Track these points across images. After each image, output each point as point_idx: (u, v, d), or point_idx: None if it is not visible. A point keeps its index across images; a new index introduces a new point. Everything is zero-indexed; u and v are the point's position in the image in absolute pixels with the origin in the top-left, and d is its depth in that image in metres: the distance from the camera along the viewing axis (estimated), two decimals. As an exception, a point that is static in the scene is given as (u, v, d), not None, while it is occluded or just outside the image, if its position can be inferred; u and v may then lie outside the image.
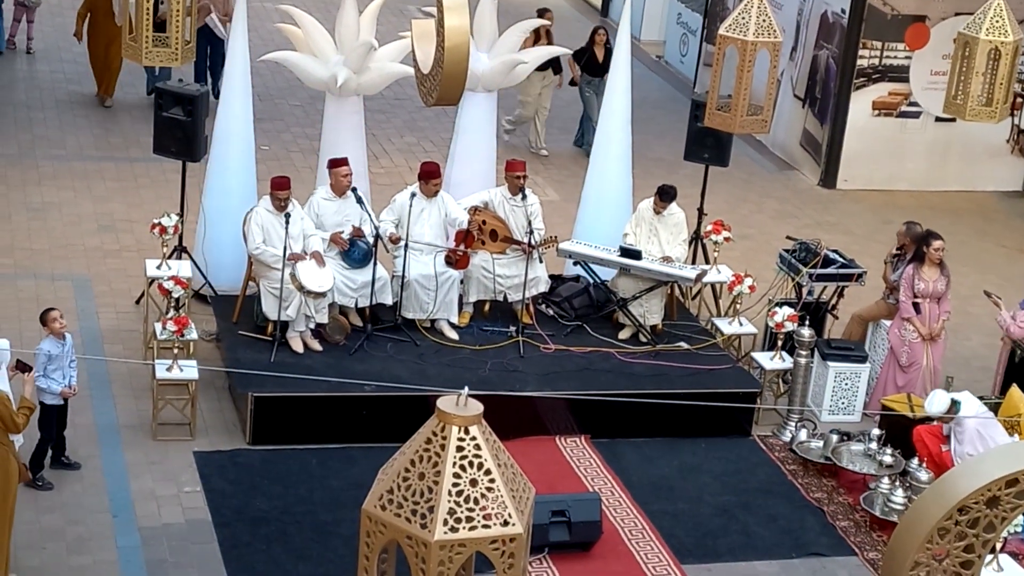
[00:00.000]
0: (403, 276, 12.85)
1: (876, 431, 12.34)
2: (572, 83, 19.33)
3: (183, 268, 13.34)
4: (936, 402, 11.88)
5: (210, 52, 19.08)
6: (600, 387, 12.56)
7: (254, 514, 11.15)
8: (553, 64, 18.36)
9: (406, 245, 12.82)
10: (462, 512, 5.88)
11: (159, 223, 13.24)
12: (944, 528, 6.06)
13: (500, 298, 13.38)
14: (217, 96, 17.29)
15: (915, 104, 19.06)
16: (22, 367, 9.99)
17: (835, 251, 14.36)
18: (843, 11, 18.75)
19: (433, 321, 13.13)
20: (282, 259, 12.26)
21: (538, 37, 17.81)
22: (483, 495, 5.91)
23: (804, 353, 13.02)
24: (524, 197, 13.27)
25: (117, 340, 13.45)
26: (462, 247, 13.08)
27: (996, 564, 9.58)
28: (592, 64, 19.03)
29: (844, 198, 18.79)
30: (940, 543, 6.10)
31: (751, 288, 13.66)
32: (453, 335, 13.11)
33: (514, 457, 6.24)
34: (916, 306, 13.26)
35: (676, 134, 17.95)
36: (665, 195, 13.64)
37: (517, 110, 19.13)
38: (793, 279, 14.04)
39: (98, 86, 19.02)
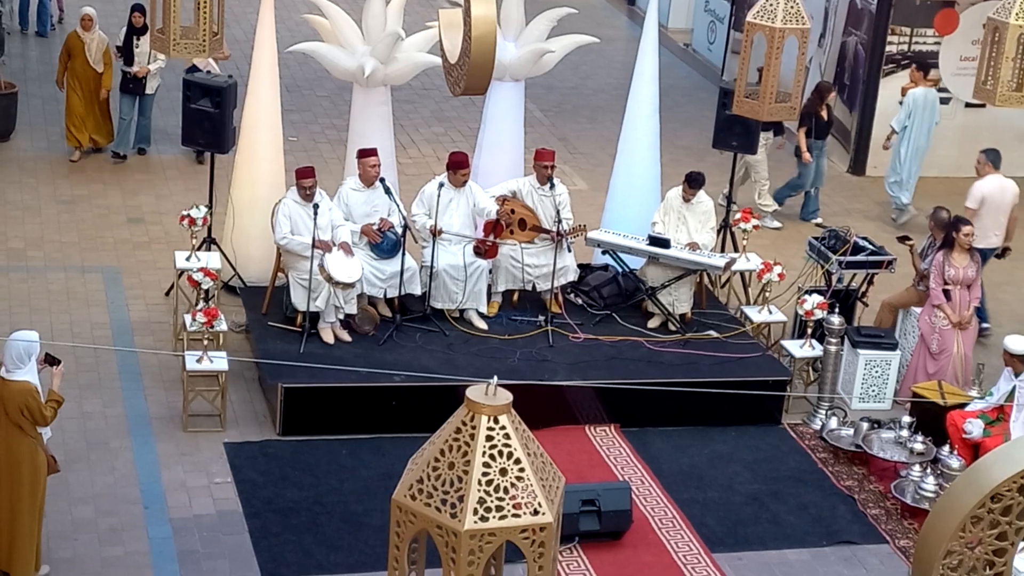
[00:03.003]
0: (432, 266, 12.86)
1: (907, 418, 12.30)
2: (796, 154, 17.07)
3: (212, 260, 13.37)
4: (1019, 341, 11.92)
5: None
6: (629, 376, 12.54)
7: (284, 505, 11.18)
8: (776, 125, 16.77)
9: (435, 235, 12.82)
10: (492, 501, 5.88)
11: (188, 215, 13.28)
12: (977, 516, 6.03)
13: (529, 287, 13.38)
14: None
15: (945, 90, 18.95)
16: (51, 360, 10.03)
17: (864, 238, 14.30)
18: (871, -3, 18.68)
19: (462, 311, 13.14)
20: (310, 248, 12.28)
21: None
22: (513, 484, 5.90)
23: (834, 341, 12.98)
24: (552, 186, 13.25)
25: (147, 332, 13.50)
26: (491, 237, 13.07)
27: (1029, 551, 9.54)
28: (818, 125, 16.99)
29: (873, 185, 18.69)
30: (973, 531, 6.07)
31: (780, 276, 13.62)
32: (482, 325, 13.11)
33: (544, 446, 6.23)
34: (946, 293, 13.21)
35: (704, 122, 17.91)
36: (693, 182, 13.61)
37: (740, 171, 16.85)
38: (822, 267, 13.99)
39: (69, 139, 17.04)
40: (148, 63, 16.84)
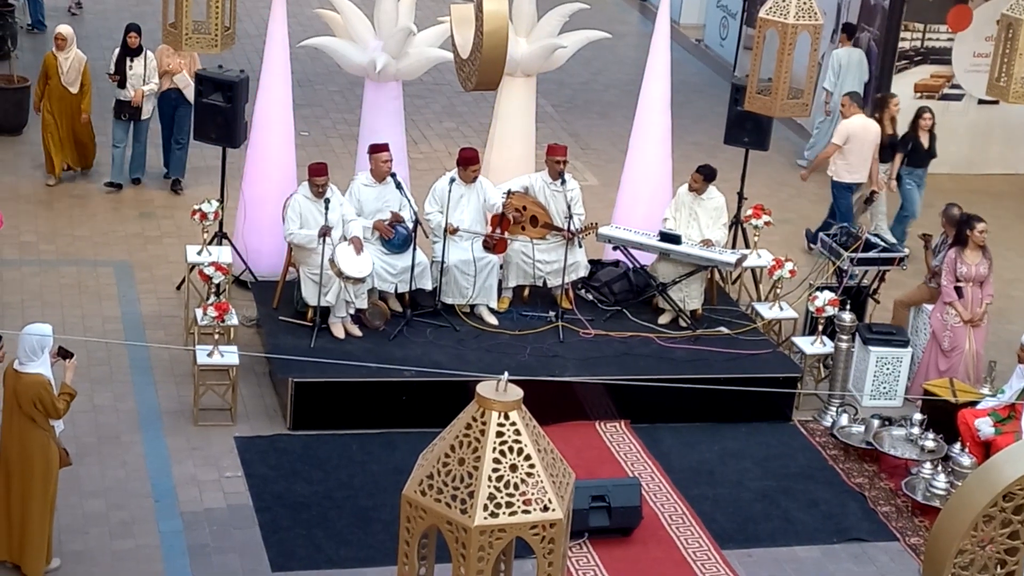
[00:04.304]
0: (442, 261, 12.86)
1: (918, 416, 12.28)
2: (897, 179, 16.35)
3: (223, 254, 13.39)
4: None
5: (176, 121, 16.15)
6: (640, 372, 12.53)
7: (295, 499, 11.19)
8: (896, 145, 16.21)
9: (445, 231, 12.82)
10: (502, 497, 5.88)
11: (199, 209, 13.29)
12: (989, 515, 6.03)
13: (539, 283, 13.37)
14: (178, 183, 16.35)
15: (957, 87, 18.92)
16: (64, 353, 10.05)
17: (876, 235, 14.27)
18: (884, -7, 18.64)
19: (472, 306, 13.14)
20: (315, 240, 12.27)
21: (881, 120, 16.00)
22: (523, 480, 5.91)
23: (845, 338, 12.96)
24: (564, 182, 13.24)
25: (158, 326, 13.52)
26: (498, 231, 13.06)
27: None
28: (917, 151, 16.26)
29: (886, 181, 18.67)
30: (985, 530, 6.06)
31: (791, 272, 13.59)
32: (492, 320, 13.11)
33: (554, 442, 6.23)
34: (958, 290, 13.18)
35: (715, 118, 17.89)
36: (703, 170, 13.57)
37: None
38: (834, 263, 13.97)
39: (48, 164, 16.15)
40: (142, 85, 15.89)
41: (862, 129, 15.61)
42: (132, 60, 15.96)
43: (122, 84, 15.96)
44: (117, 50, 16.13)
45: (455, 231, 12.84)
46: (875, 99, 16.64)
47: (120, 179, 16.26)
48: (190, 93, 15.48)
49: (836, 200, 15.88)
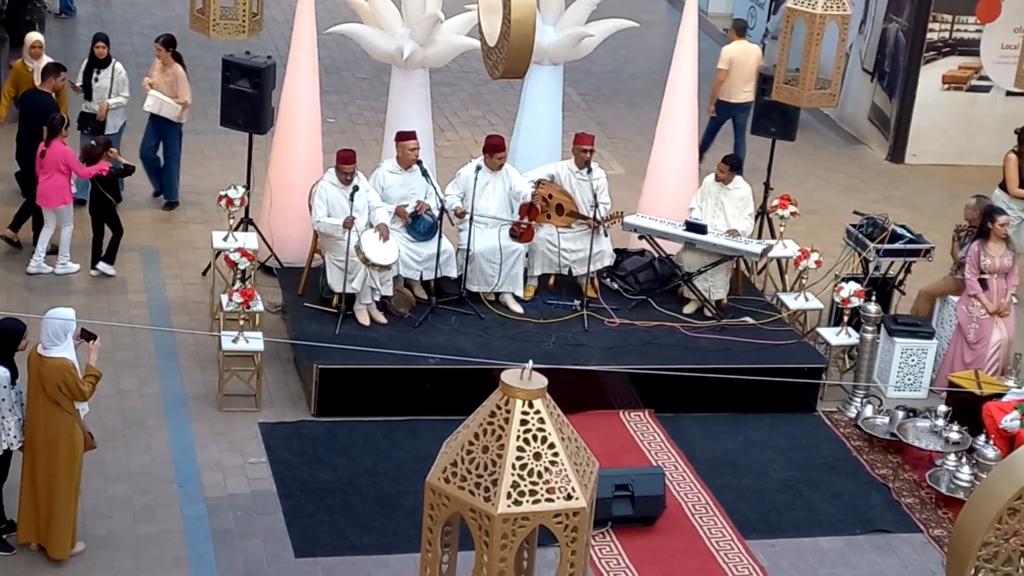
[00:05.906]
0: (468, 249, 12.86)
1: (943, 408, 12.25)
2: None
3: (249, 240, 13.41)
4: None
5: (162, 144, 15.49)
6: (664, 361, 12.51)
7: (319, 485, 11.22)
8: None
9: (471, 218, 12.83)
10: (525, 486, 5.89)
11: (226, 195, 13.31)
12: (1013, 508, 6.01)
13: (565, 272, 13.37)
14: (171, 206, 15.59)
15: (986, 78, 18.83)
16: (87, 335, 10.09)
17: (903, 226, 14.23)
18: (913, -17, 18.55)
19: (498, 294, 13.14)
20: (344, 229, 12.28)
21: (1021, 154, 14.90)
22: (547, 469, 5.91)
23: (870, 329, 12.93)
24: (590, 171, 13.23)
25: (184, 311, 13.56)
26: (526, 220, 13.06)
27: (1064, 543, 9.49)
28: None
29: (912, 173, 18.61)
30: (1009, 522, 6.05)
31: (817, 263, 13.56)
32: (518, 308, 13.11)
33: (578, 431, 6.24)
34: (983, 282, 13.12)
35: (743, 108, 17.83)
36: (729, 160, 13.55)
37: None
38: (860, 254, 13.93)
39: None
40: (108, 98, 15.02)
41: (743, 54, 17.20)
42: (98, 72, 15.22)
43: (88, 96, 15.23)
44: (85, 61, 15.40)
45: (462, 215, 12.83)
46: (1016, 133, 15.17)
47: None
48: (167, 112, 15.12)
49: (716, 119, 17.30)
